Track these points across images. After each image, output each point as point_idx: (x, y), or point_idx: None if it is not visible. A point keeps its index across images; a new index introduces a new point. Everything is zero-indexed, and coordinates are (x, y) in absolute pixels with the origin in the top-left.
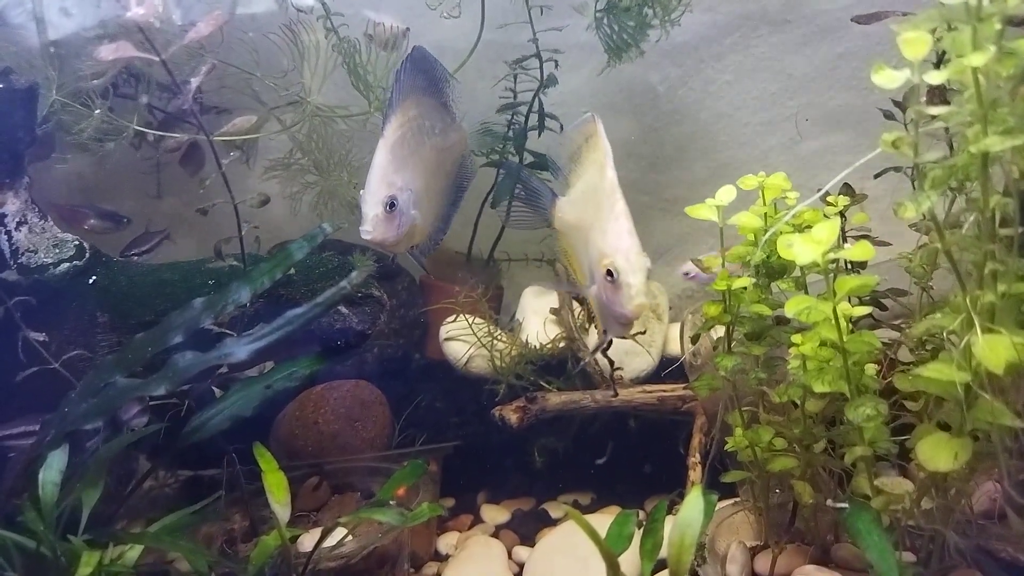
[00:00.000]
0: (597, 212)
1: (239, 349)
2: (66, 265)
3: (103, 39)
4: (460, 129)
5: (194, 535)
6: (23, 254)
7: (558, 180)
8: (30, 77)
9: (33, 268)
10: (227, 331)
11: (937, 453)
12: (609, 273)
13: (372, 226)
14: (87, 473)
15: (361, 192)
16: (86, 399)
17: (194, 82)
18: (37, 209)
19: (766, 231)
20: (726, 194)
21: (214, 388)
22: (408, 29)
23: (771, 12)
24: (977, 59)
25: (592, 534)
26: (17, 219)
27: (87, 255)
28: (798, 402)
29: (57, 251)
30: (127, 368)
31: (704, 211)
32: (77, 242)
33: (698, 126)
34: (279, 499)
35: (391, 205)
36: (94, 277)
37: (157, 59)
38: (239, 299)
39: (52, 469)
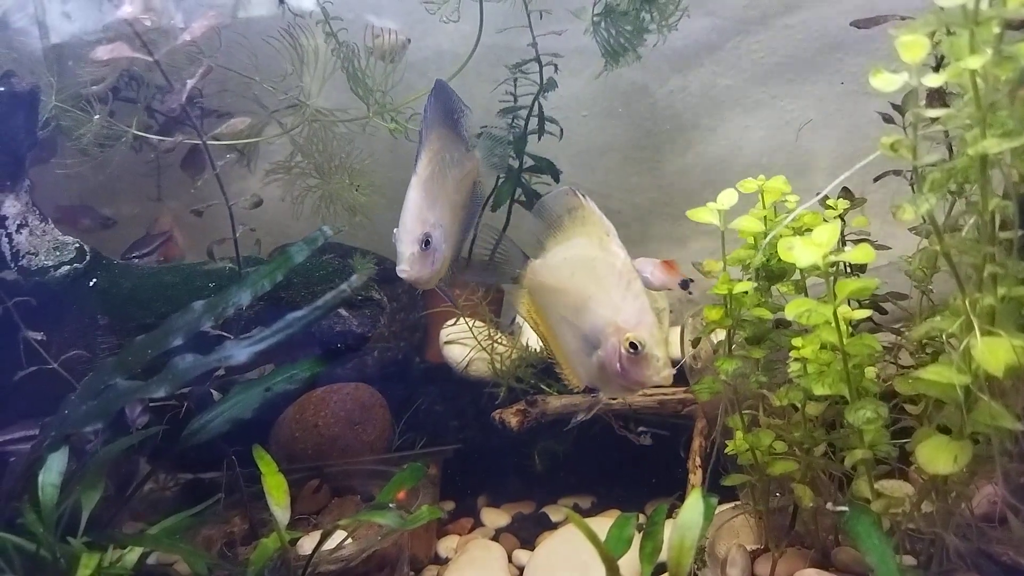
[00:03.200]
0: (602, 284)
1: (239, 352)
2: (66, 268)
3: (103, 43)
4: (473, 158)
5: (194, 538)
6: (24, 256)
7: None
8: (32, 80)
9: (34, 271)
10: (226, 334)
11: (937, 456)
12: (633, 346)
13: (409, 265)
14: (87, 475)
15: (395, 230)
16: (86, 401)
17: (189, 83)
18: (38, 212)
19: (766, 235)
20: (728, 198)
21: (212, 391)
22: (409, 40)
23: (770, 16)
24: (974, 62)
25: (592, 537)
26: (18, 222)
27: (87, 258)
28: (798, 405)
29: (58, 254)
30: (127, 370)
31: (705, 215)
32: (78, 245)
33: (697, 130)
34: (278, 502)
35: (426, 243)
36: (94, 280)
37: (151, 59)
38: (239, 302)
39: (52, 471)
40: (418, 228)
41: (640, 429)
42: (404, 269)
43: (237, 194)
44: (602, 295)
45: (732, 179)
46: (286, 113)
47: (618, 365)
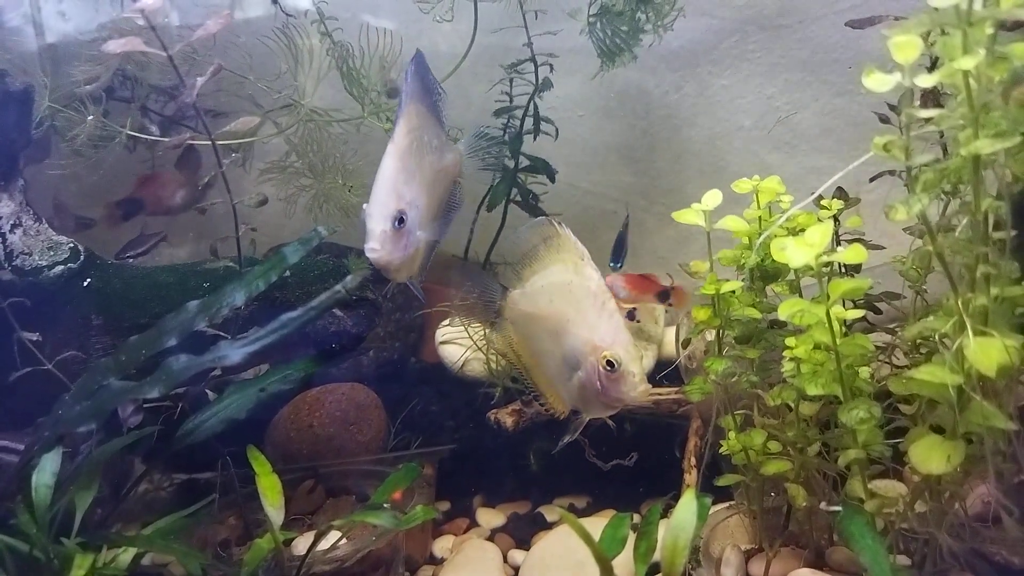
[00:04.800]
0: (579, 307)
1: (233, 352)
2: (60, 268)
3: (100, 43)
4: (455, 150)
5: (188, 538)
6: (17, 256)
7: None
8: (25, 80)
9: (27, 270)
10: (223, 334)
11: (930, 456)
12: (610, 364)
13: (380, 243)
14: (80, 476)
15: (364, 205)
16: (80, 401)
17: (199, 81)
18: (32, 212)
19: (760, 235)
20: (712, 199)
21: (208, 391)
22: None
23: (766, 16)
24: (967, 63)
25: (586, 537)
26: (12, 221)
27: (82, 257)
28: (792, 405)
29: (52, 253)
30: (121, 370)
31: (690, 216)
32: (72, 244)
33: (693, 131)
34: (273, 502)
35: (400, 220)
36: (88, 279)
37: (164, 54)
38: (234, 302)
39: (45, 472)
40: (392, 203)
41: (614, 462)
42: (373, 248)
43: (233, 194)
44: (579, 317)
45: (728, 179)
46: (281, 113)
47: (598, 383)
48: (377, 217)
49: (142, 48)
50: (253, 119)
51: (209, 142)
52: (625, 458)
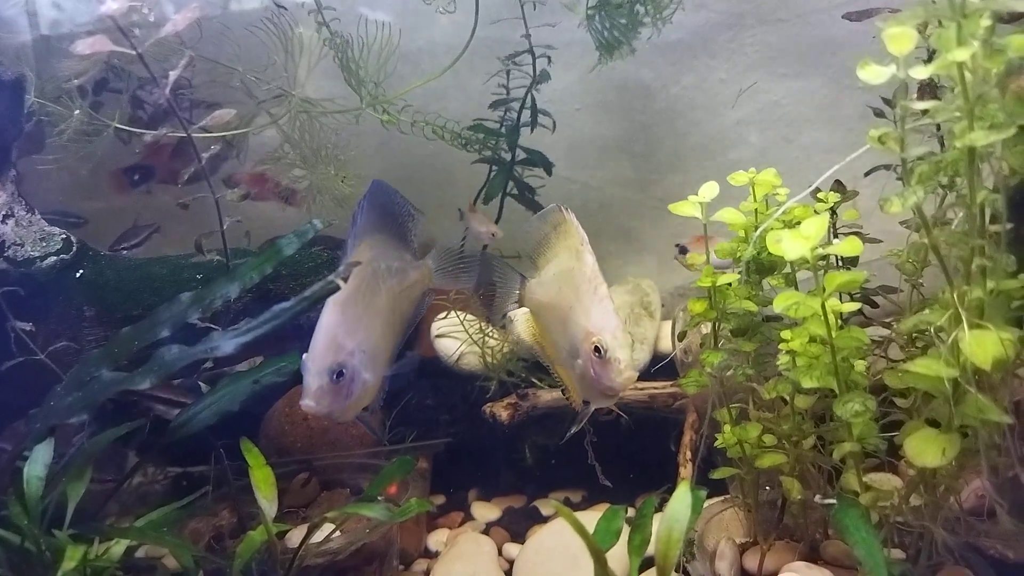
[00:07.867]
0: (577, 293)
1: (225, 343)
2: (53, 259)
3: (84, 36)
4: (422, 267)
5: (181, 530)
6: (9, 247)
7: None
8: (17, 70)
9: (20, 261)
10: (215, 326)
11: (925, 449)
12: (597, 350)
13: (315, 400)
14: (72, 467)
15: (304, 356)
16: (71, 392)
17: (172, 75)
18: (24, 202)
19: (756, 227)
20: (709, 191)
21: (201, 383)
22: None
23: (764, 10)
24: (962, 54)
25: (580, 530)
26: (4, 212)
27: (74, 249)
28: (788, 398)
29: (44, 244)
30: (113, 362)
31: (687, 208)
32: (64, 236)
33: (691, 124)
34: (266, 494)
35: (339, 374)
36: (81, 271)
37: (133, 52)
38: (227, 294)
39: (37, 463)
40: (329, 357)
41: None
42: (309, 404)
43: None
44: (578, 304)
45: (725, 172)
46: (275, 103)
47: (592, 371)
48: (314, 372)
49: (110, 48)
50: (230, 112)
51: (200, 135)
52: (627, 449)
